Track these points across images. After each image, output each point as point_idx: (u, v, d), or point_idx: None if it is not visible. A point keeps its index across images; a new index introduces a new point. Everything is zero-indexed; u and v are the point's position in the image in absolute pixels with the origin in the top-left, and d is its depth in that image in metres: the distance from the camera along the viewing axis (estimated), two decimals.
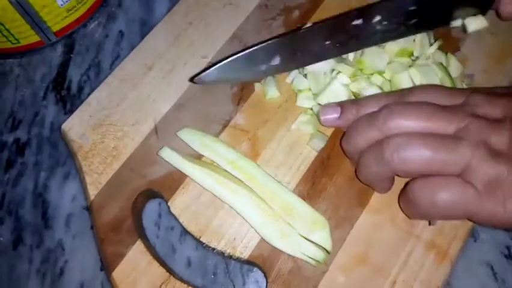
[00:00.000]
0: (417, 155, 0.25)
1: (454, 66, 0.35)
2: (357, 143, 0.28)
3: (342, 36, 0.29)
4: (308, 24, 0.37)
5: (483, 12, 0.33)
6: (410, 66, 0.34)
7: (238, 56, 0.28)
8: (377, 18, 0.29)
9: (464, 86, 0.35)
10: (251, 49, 0.28)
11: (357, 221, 0.32)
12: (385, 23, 0.29)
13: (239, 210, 0.32)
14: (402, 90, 0.29)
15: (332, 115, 0.30)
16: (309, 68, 0.35)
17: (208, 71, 0.29)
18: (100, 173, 0.34)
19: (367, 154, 0.28)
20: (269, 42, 0.28)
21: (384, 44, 0.35)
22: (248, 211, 0.31)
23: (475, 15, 0.34)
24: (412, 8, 0.30)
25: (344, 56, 0.35)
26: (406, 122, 0.26)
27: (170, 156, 0.34)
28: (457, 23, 0.33)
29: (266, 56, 0.29)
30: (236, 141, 0.35)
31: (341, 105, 0.30)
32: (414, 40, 0.35)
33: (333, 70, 0.35)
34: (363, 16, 0.29)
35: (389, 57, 0.34)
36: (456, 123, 0.26)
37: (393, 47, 0.35)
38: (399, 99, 0.28)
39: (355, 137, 0.29)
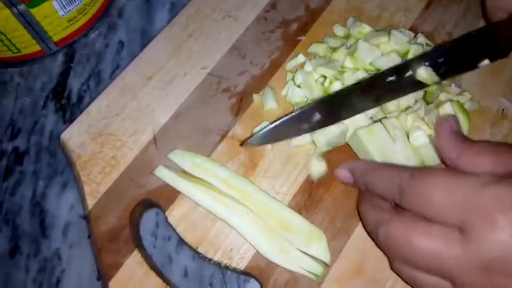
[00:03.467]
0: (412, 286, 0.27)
1: None
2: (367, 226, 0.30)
3: (378, 91, 0.31)
4: (303, 35, 0.39)
5: (505, 55, 0.34)
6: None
7: (282, 120, 0.30)
8: (409, 73, 0.31)
9: (451, 93, 0.36)
10: (294, 113, 0.30)
11: (353, 232, 0.32)
12: (414, 76, 0.32)
13: (236, 228, 0.32)
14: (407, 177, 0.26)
15: (345, 179, 0.31)
16: (299, 77, 0.36)
17: (254, 136, 0.31)
18: (98, 182, 0.35)
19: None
20: (310, 104, 0.31)
21: (378, 43, 0.36)
22: (245, 228, 0.32)
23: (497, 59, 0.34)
24: (441, 60, 0.31)
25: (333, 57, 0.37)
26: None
27: (165, 175, 0.34)
28: (484, 63, 0.33)
29: (308, 116, 0.31)
30: (234, 152, 0.35)
31: (352, 173, 0.31)
32: (409, 42, 0.36)
33: (325, 77, 0.36)
34: (396, 73, 0.31)
35: (381, 53, 0.35)
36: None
37: (387, 47, 0.36)
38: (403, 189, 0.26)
39: (365, 224, 0.30)
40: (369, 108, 0.33)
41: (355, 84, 0.31)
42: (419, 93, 0.35)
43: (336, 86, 0.35)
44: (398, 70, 0.31)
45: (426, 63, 0.31)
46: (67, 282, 0.35)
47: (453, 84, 0.37)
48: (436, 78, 0.32)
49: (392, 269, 0.28)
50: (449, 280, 0.24)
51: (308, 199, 0.34)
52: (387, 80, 0.31)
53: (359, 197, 0.32)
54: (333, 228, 0.33)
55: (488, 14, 0.33)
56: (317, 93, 0.36)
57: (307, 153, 0.35)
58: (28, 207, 0.37)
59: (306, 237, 0.31)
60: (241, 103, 0.37)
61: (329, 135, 0.34)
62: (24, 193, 0.38)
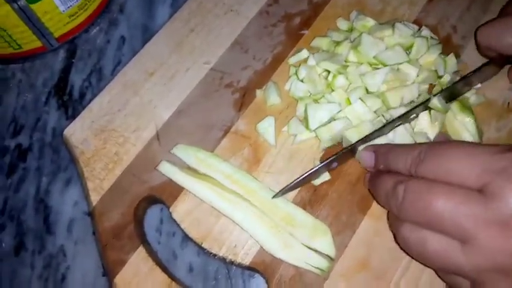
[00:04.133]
0: (417, 252, 0.27)
1: (450, 65, 0.36)
2: (379, 200, 0.30)
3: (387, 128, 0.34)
4: (306, 29, 0.40)
5: (493, 76, 0.37)
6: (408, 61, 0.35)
7: (306, 174, 0.32)
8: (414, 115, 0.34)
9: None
10: (317, 167, 0.32)
11: (358, 227, 0.32)
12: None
13: (240, 223, 0.32)
14: (426, 149, 0.27)
15: (367, 161, 0.32)
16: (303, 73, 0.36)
17: (287, 188, 0.33)
18: (102, 178, 0.35)
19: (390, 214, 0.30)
20: (332, 158, 0.33)
21: (382, 36, 0.36)
22: (249, 224, 0.32)
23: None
24: (447, 94, 0.34)
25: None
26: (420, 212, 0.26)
27: (169, 170, 0.34)
28: (477, 86, 0.36)
29: (328, 165, 0.33)
30: (237, 147, 0.35)
31: (375, 152, 0.32)
32: (413, 36, 0.36)
33: (328, 71, 0.36)
34: (404, 119, 0.33)
35: (386, 47, 0.35)
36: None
37: (391, 40, 0.36)
38: (423, 160, 0.27)
39: (377, 194, 0.30)
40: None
41: (373, 132, 0.33)
42: (423, 87, 0.35)
43: (340, 81, 0.35)
44: (406, 117, 0.34)
45: (438, 95, 0.33)
46: (72, 278, 0.35)
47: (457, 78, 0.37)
48: (447, 106, 0.34)
49: (397, 240, 0.28)
50: (462, 239, 0.24)
51: (313, 194, 0.34)
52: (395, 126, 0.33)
53: (368, 178, 0.32)
54: (338, 223, 0.33)
55: (480, 51, 0.36)
56: (321, 87, 0.36)
57: (312, 148, 0.35)
58: (32, 203, 0.37)
59: (311, 231, 0.31)
60: (244, 98, 0.37)
61: (333, 130, 0.33)
62: (28, 190, 0.38)
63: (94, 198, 0.34)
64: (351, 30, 0.38)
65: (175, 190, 0.34)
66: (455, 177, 0.25)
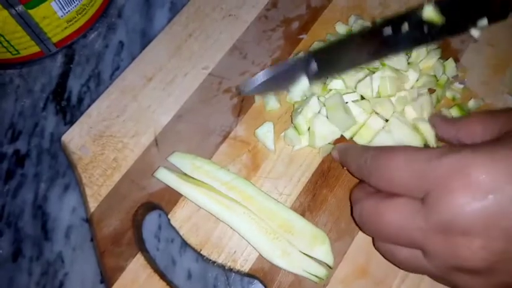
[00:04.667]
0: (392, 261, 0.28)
1: (450, 69, 0.36)
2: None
3: (374, 45, 0.32)
4: (305, 33, 0.39)
5: (504, 16, 0.33)
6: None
7: (280, 67, 0.30)
8: (405, 27, 0.31)
9: (455, 90, 0.36)
10: (291, 60, 0.30)
11: (357, 234, 0.32)
12: (412, 30, 0.31)
13: (238, 230, 0.32)
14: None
15: (336, 159, 0.33)
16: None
17: (252, 81, 0.30)
18: (100, 185, 0.34)
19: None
20: (307, 52, 0.31)
21: None
22: (247, 230, 0.31)
23: (496, 20, 0.32)
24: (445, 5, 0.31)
25: None
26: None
27: (166, 177, 0.33)
28: (482, 23, 0.32)
29: (305, 64, 0.31)
30: (236, 152, 0.35)
31: (338, 154, 0.33)
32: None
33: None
34: (392, 25, 0.31)
35: None
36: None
37: None
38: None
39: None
40: (366, 62, 0.32)
41: (352, 34, 0.32)
42: (422, 92, 0.35)
43: (336, 83, 0.35)
44: (393, 22, 0.31)
45: (431, 5, 0.30)
46: (70, 285, 0.35)
47: (456, 82, 0.37)
48: (442, 18, 0.31)
49: (375, 248, 0.29)
50: (419, 249, 0.25)
51: (312, 200, 0.33)
52: (383, 34, 0.31)
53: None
54: (337, 229, 0.32)
55: None
56: (317, 90, 0.35)
57: (311, 153, 0.35)
58: (30, 210, 0.37)
59: (309, 239, 0.31)
60: (242, 103, 0.37)
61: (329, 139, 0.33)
62: (25, 196, 0.38)
63: (92, 204, 0.34)
64: None
65: (174, 196, 0.34)
66: (398, 188, 0.26)
